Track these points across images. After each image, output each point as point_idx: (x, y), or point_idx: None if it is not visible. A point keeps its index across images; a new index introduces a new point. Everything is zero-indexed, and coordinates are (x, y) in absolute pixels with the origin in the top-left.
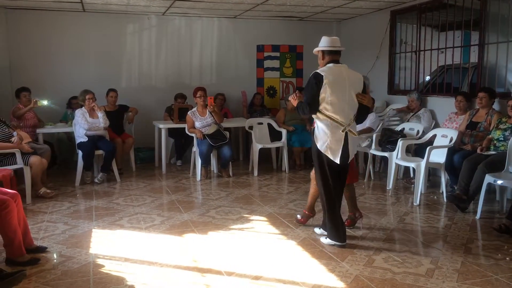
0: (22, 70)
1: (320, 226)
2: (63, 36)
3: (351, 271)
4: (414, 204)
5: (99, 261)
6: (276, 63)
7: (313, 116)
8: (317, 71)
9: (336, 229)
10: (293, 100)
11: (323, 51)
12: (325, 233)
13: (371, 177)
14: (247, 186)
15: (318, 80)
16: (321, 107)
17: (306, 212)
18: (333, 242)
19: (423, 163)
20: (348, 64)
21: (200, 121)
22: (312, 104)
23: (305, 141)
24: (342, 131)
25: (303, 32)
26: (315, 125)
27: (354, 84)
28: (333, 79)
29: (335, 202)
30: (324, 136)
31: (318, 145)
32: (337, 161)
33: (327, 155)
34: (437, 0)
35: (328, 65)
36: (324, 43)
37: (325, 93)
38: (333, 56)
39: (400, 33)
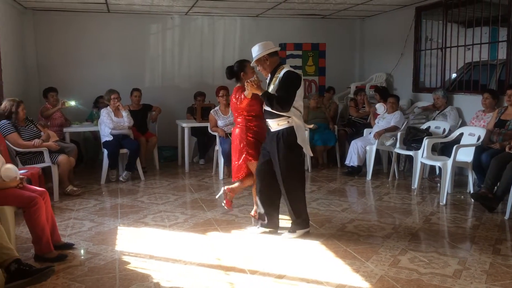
0: (49, 70)
1: (289, 230)
2: (89, 37)
3: (376, 271)
4: (441, 204)
5: (125, 258)
6: (298, 62)
7: (286, 113)
8: (293, 70)
9: (307, 215)
10: (254, 87)
11: (275, 52)
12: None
13: (395, 176)
14: None
15: (299, 79)
16: (297, 104)
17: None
18: (304, 230)
19: (449, 162)
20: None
21: (223, 120)
22: (292, 102)
23: (328, 140)
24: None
25: (326, 30)
26: (289, 121)
27: None
28: None
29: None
30: (300, 130)
31: (299, 140)
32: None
33: (303, 148)
34: None
35: (284, 65)
36: (272, 45)
37: (300, 90)
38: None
39: (426, 30)
